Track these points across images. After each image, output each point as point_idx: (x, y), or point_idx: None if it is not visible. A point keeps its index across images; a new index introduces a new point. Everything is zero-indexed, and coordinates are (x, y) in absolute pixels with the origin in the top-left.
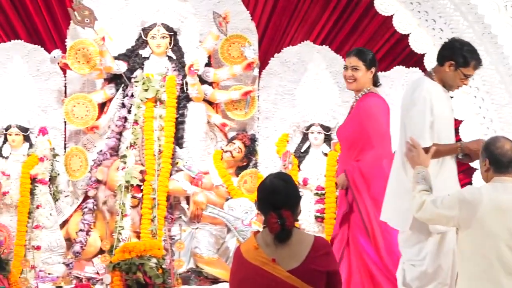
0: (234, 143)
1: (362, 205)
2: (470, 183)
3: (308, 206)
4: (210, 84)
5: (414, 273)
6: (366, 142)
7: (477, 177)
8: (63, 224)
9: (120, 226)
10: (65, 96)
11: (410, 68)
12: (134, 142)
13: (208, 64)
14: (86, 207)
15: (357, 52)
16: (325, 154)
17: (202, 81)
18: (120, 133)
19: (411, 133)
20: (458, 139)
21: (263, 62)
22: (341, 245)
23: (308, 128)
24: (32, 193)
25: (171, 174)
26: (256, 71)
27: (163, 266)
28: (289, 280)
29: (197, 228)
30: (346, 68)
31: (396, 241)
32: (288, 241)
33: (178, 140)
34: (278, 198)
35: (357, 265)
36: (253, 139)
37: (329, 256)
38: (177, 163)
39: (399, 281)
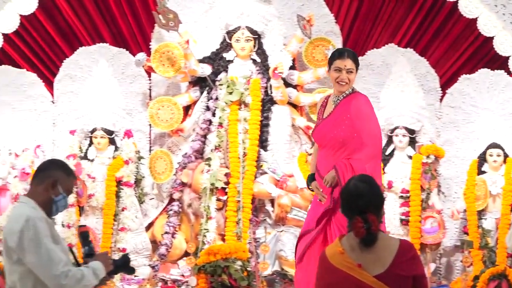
0: None
1: None
2: None
3: (393, 209)
4: (295, 87)
5: None
6: (359, 142)
7: None
8: (148, 227)
9: (205, 229)
10: (150, 99)
11: (495, 70)
12: (219, 145)
13: (292, 67)
14: (171, 210)
15: (352, 55)
16: (410, 157)
17: (287, 84)
18: (204, 136)
19: None
20: None
21: None
22: (309, 241)
23: (392, 131)
24: (117, 195)
25: (255, 177)
26: None
27: (248, 269)
28: (376, 286)
29: (282, 231)
30: (339, 70)
31: None
32: (374, 246)
33: (263, 143)
34: (362, 202)
35: None
36: None
37: (415, 260)
38: (262, 166)
39: None
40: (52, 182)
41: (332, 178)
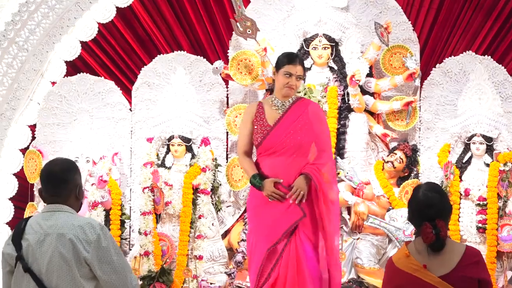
0: (396, 154)
1: (318, 210)
2: None
3: (469, 217)
4: (372, 94)
5: None
6: (320, 146)
7: None
8: (225, 234)
9: None
10: (227, 107)
11: None
12: None
13: (369, 75)
14: (247, 217)
15: (302, 62)
16: (487, 165)
17: (364, 91)
18: None
19: None
20: None
21: (425, 72)
22: (279, 255)
23: (470, 138)
24: (194, 203)
25: None
26: (417, 82)
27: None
28: (441, 286)
29: (358, 239)
30: (289, 75)
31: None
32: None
33: (340, 151)
34: (433, 211)
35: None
36: (414, 150)
37: (480, 265)
38: (339, 173)
39: None
40: (79, 189)
41: (304, 184)
